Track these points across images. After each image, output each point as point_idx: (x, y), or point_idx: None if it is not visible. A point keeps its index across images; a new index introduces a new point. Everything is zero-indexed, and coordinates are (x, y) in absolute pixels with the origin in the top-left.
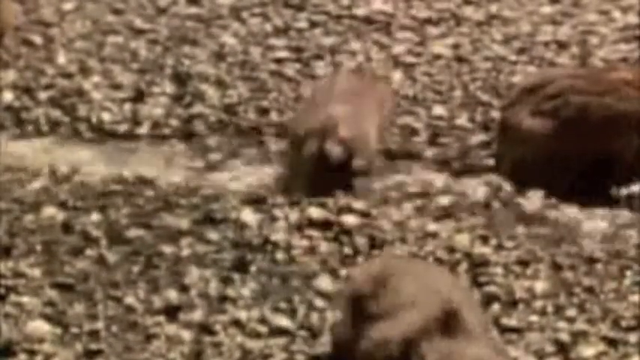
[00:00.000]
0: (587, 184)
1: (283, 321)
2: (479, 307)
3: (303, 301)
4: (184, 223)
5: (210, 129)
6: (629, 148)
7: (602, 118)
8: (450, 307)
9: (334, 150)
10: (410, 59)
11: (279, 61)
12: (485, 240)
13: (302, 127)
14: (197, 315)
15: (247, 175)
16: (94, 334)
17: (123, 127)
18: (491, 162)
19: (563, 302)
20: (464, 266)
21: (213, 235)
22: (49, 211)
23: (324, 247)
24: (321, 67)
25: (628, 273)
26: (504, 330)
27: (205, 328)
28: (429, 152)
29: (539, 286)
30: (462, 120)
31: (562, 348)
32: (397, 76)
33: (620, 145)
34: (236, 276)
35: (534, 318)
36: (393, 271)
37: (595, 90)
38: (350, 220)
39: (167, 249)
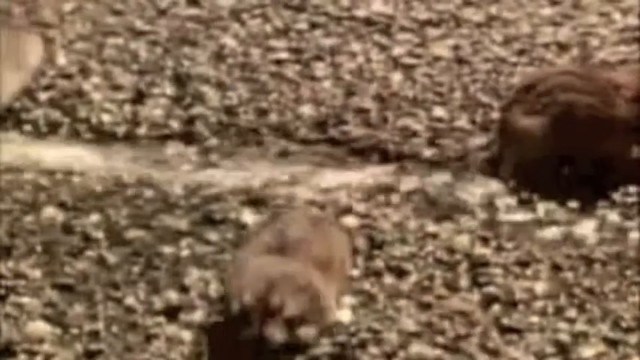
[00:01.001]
0: (586, 185)
1: None
2: None
3: None
4: (184, 224)
5: (210, 130)
6: (624, 148)
7: (588, 117)
8: None
9: (277, 336)
10: (410, 61)
11: (279, 62)
12: (485, 241)
13: (238, 297)
14: (197, 315)
15: (247, 176)
16: (94, 335)
17: (123, 129)
18: (491, 163)
19: (563, 303)
20: (464, 267)
21: (212, 235)
22: (49, 211)
23: None
24: (321, 69)
25: (628, 273)
26: (504, 330)
27: (205, 329)
28: (429, 153)
29: (540, 286)
30: (462, 121)
31: (562, 349)
32: (397, 77)
33: (613, 146)
34: None
35: (534, 319)
36: None
37: (584, 88)
38: (350, 220)
39: (167, 250)
